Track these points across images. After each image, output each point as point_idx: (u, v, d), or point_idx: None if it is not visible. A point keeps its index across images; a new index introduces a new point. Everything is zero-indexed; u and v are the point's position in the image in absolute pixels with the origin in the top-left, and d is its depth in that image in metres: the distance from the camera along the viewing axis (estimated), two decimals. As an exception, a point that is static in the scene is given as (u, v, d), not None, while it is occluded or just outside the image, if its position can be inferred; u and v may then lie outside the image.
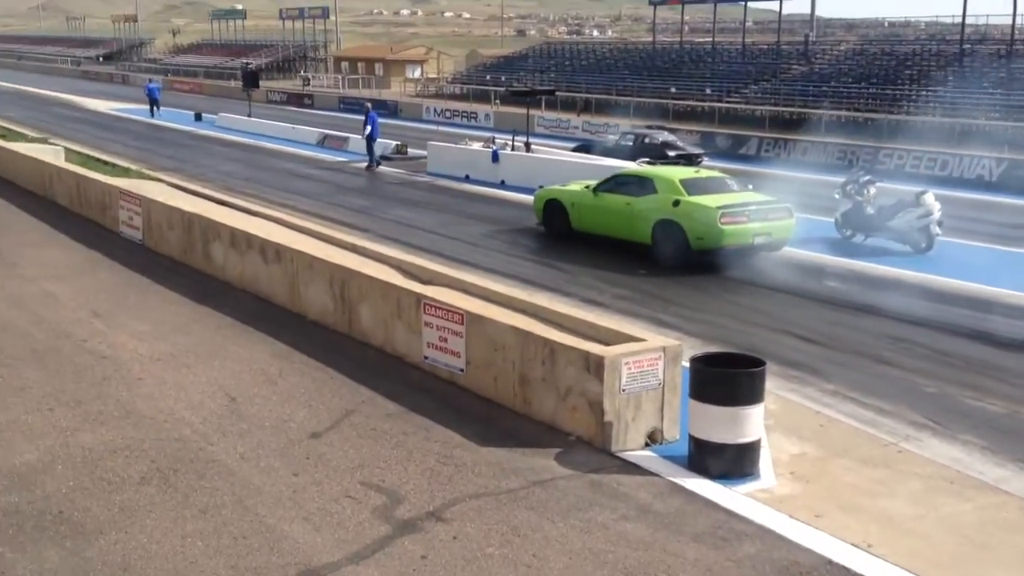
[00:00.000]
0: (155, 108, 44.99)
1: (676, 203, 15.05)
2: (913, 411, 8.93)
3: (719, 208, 14.58)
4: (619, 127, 33.51)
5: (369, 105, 30.43)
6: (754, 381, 7.16)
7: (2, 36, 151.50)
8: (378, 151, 28.35)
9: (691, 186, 15.44)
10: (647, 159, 24.08)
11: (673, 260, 14.96)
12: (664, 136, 28.58)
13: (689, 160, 26.11)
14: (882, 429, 8.49)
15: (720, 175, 17.35)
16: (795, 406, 9.02)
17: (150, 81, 50.56)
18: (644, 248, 15.45)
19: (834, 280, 14.58)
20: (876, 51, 46.95)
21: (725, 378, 7.15)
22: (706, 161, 27.20)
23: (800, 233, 17.81)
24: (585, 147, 28.67)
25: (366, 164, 27.50)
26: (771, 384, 8.33)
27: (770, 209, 15.21)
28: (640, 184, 16.06)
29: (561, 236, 17.25)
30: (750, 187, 16.70)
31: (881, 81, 41.42)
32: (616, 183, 16.64)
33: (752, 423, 7.14)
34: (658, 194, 15.49)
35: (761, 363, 7.28)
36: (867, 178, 17.49)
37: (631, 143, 27.46)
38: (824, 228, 17.76)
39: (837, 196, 17.36)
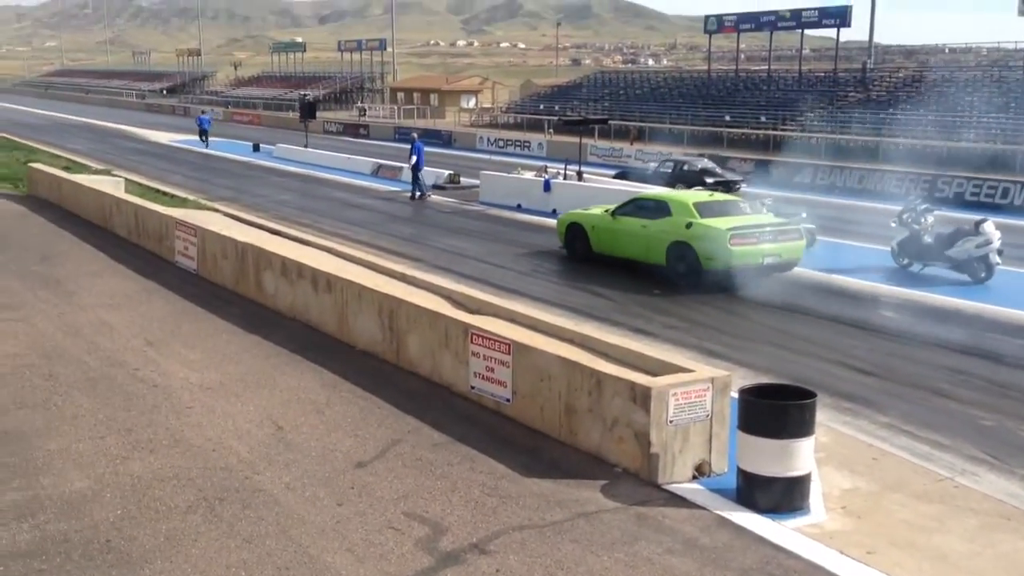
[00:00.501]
0: (205, 138, 46.24)
1: (689, 225, 15.53)
2: (970, 445, 8.68)
3: (729, 230, 15.04)
4: (659, 154, 33.51)
5: (415, 135, 30.49)
6: (804, 413, 7.01)
7: (72, 70, 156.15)
8: (430, 180, 28.53)
9: (704, 209, 15.89)
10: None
11: (686, 280, 15.39)
12: (702, 163, 28.83)
13: (727, 187, 26.25)
14: (938, 463, 8.26)
15: (734, 199, 17.83)
16: (848, 439, 8.82)
17: (202, 113, 51.85)
18: (660, 269, 15.92)
19: (890, 310, 14.29)
20: (936, 78, 46.29)
21: (774, 410, 7.01)
22: (744, 188, 27.30)
23: (856, 261, 17.60)
24: (623, 174, 28.97)
25: (410, 194, 27.57)
26: (823, 416, 8.17)
27: (780, 231, 15.66)
28: (656, 207, 16.55)
29: (582, 258, 17.68)
30: (764, 209, 17.15)
31: (941, 108, 40.77)
32: (634, 207, 17.09)
33: (802, 456, 6.99)
34: (672, 217, 15.96)
35: (812, 395, 7.14)
36: (924, 206, 17.18)
37: (670, 170, 27.71)
38: (881, 257, 17.47)
39: (894, 224, 17.06)
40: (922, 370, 11.16)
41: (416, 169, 27.46)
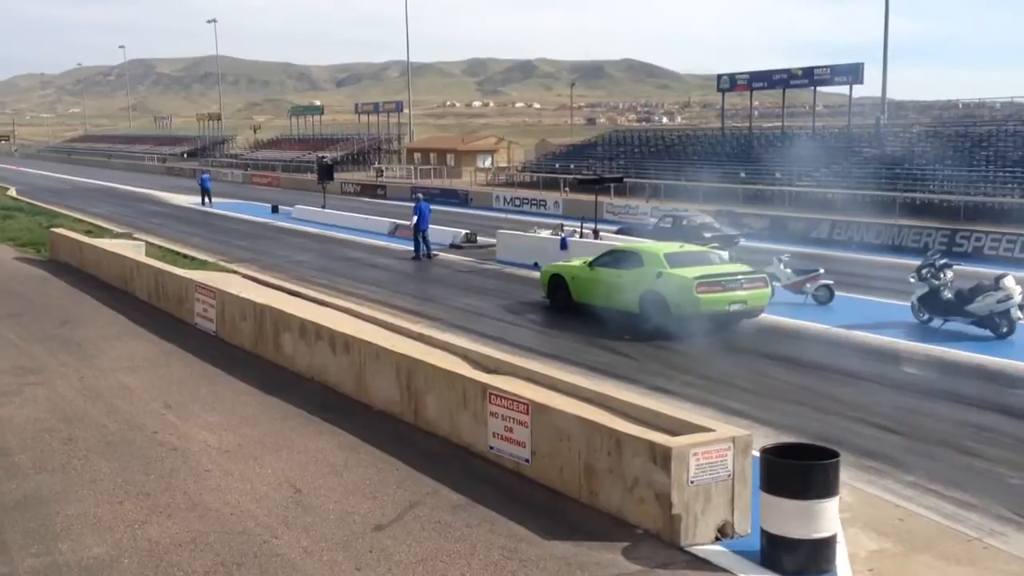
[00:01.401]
0: (207, 198, 47.60)
1: (659, 275, 16.49)
2: (998, 504, 8.53)
3: (696, 279, 15.98)
4: (658, 209, 33.97)
5: (420, 195, 30.19)
6: (828, 473, 6.92)
7: (94, 136, 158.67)
8: (447, 239, 28.58)
9: (674, 259, 16.91)
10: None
11: (657, 326, 16.14)
12: (701, 218, 29.23)
13: (726, 241, 26.64)
14: (965, 523, 8.12)
15: (705, 249, 18.84)
16: (873, 499, 8.69)
17: (204, 173, 53.09)
18: (633, 317, 16.69)
19: (911, 366, 14.17)
20: (950, 132, 46.41)
21: (797, 470, 6.93)
22: (743, 243, 27.68)
23: (876, 317, 17.50)
24: (626, 230, 29.38)
25: (413, 254, 27.55)
26: (847, 475, 8.06)
27: (746, 279, 16.55)
28: (630, 258, 17.60)
29: (563, 308, 18.46)
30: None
31: (956, 163, 40.82)
32: (610, 258, 18.10)
33: (827, 517, 6.88)
34: (644, 267, 16.95)
35: (835, 454, 7.05)
36: (943, 261, 17.11)
37: (669, 225, 28.06)
38: (900, 312, 17.38)
39: (913, 280, 16.99)
40: (946, 427, 11.02)
41: (418, 229, 27.50)
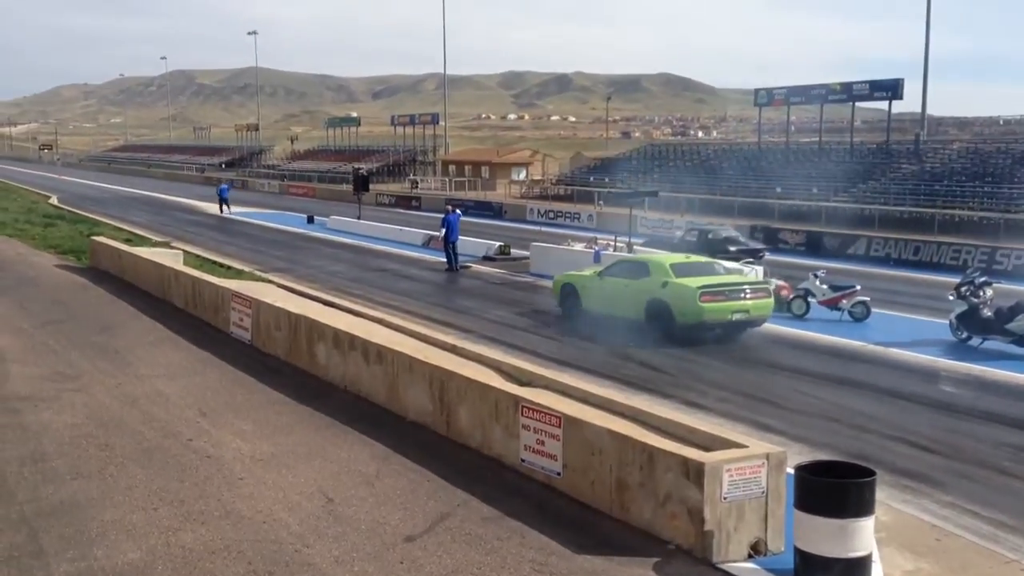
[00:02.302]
0: (225, 207, 48.94)
1: (664, 284, 17.02)
2: (1039, 526, 8.37)
3: (699, 288, 16.51)
4: (692, 223, 33.91)
5: (450, 207, 29.87)
6: (863, 492, 6.84)
7: (135, 146, 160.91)
8: (480, 251, 28.63)
9: (679, 269, 17.42)
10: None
11: (662, 333, 16.77)
12: (727, 232, 29.43)
13: (751, 255, 26.93)
14: (1004, 545, 7.99)
15: (710, 260, 19.21)
16: (909, 519, 8.58)
17: (220, 182, 54.21)
18: (640, 324, 17.20)
19: (950, 385, 13.98)
20: (991, 149, 45.82)
21: (832, 488, 6.85)
22: (768, 256, 27.86)
23: (913, 335, 17.31)
24: (654, 243, 29.57)
25: (447, 265, 27.64)
26: (883, 494, 7.97)
27: (749, 289, 17.09)
28: (637, 268, 18.18)
29: (574, 316, 18.92)
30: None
31: (997, 179, 40.30)
32: (619, 268, 18.74)
33: (862, 536, 6.80)
34: (651, 277, 17.46)
35: (871, 473, 6.97)
36: (983, 279, 16.90)
37: (695, 238, 28.14)
38: (938, 330, 17.17)
39: (952, 297, 16.79)
40: (984, 447, 10.85)
41: (447, 241, 27.54)
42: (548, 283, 24.62)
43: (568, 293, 19.42)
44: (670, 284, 16.93)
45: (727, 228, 30.39)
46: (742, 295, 16.85)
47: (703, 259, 19.33)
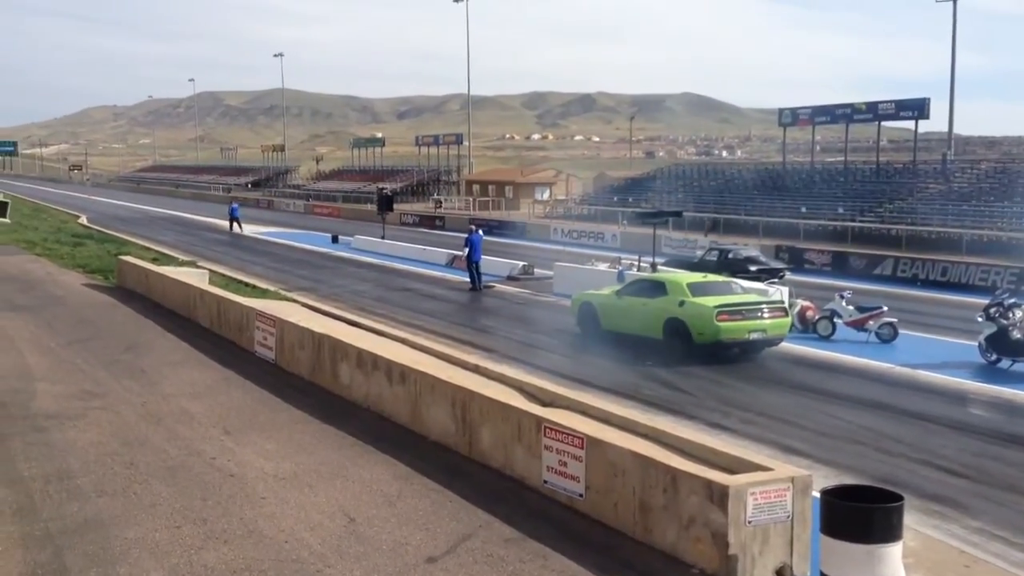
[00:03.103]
0: (235, 225, 50.59)
1: (682, 303, 17.12)
2: (1071, 553, 8.23)
3: (716, 307, 16.65)
4: (710, 243, 34.15)
5: (473, 227, 30.13)
6: (891, 517, 6.73)
7: (163, 166, 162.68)
8: (504, 271, 28.68)
9: (697, 289, 17.54)
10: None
11: (680, 352, 16.82)
12: (747, 251, 29.52)
13: (772, 274, 26.91)
14: (1036, 572, 7.85)
15: (727, 279, 19.43)
16: (938, 544, 8.46)
17: (233, 203, 55.80)
18: (658, 343, 17.35)
19: (979, 408, 13.81)
20: (1020, 168, 45.46)
21: (859, 513, 6.75)
22: (789, 276, 27.94)
23: (942, 357, 17.14)
24: (675, 262, 29.57)
25: (471, 285, 27.69)
26: (911, 519, 7.85)
27: (766, 308, 17.21)
28: (655, 287, 18.30)
29: (592, 335, 18.90)
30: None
31: (1026, 199, 39.97)
32: (637, 287, 18.90)
33: (890, 562, 6.69)
34: (669, 296, 17.59)
35: (899, 498, 6.87)
36: (1012, 300, 16.73)
37: (715, 258, 28.27)
38: (966, 352, 16.98)
39: (980, 319, 16.61)
40: (1015, 471, 10.70)
41: (470, 261, 27.61)
42: (570, 303, 24.64)
43: (586, 312, 19.49)
44: (687, 303, 17.03)
45: (748, 248, 30.45)
46: (759, 314, 16.94)
47: (720, 278, 19.41)
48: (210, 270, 27.34)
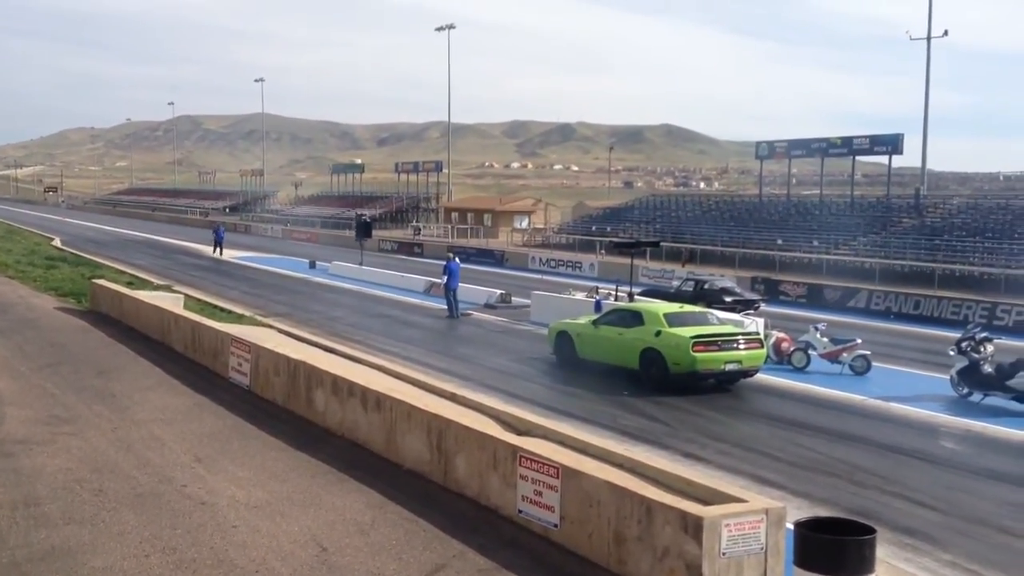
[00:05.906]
0: (218, 248, 50.73)
1: (658, 333, 17.14)
2: (1041, 587, 8.27)
3: (692, 338, 16.61)
4: (687, 273, 34.55)
5: (451, 254, 30.31)
6: (863, 550, 6.74)
7: (139, 189, 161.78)
8: (481, 299, 28.67)
9: (673, 319, 17.55)
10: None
11: (656, 382, 16.88)
12: (722, 282, 29.87)
13: (747, 305, 27.35)
14: (1007, 606, 7.87)
15: (703, 310, 19.50)
16: (910, 577, 8.47)
17: (219, 226, 56.57)
18: (634, 372, 17.39)
19: (950, 441, 13.90)
20: (991, 205, 46.07)
21: (832, 546, 6.76)
22: (764, 307, 28.30)
23: (914, 390, 17.24)
24: (651, 292, 29.96)
25: (447, 313, 27.68)
26: (883, 552, 7.87)
27: (742, 340, 17.26)
28: (631, 317, 18.26)
29: (568, 364, 18.97)
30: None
31: (997, 235, 40.45)
32: (614, 317, 18.91)
33: (862, 595, 6.69)
34: (645, 326, 17.58)
35: (871, 530, 6.88)
36: (984, 334, 16.88)
37: (691, 288, 28.55)
38: (938, 385, 17.10)
39: (952, 353, 16.75)
40: (985, 505, 10.76)
41: (448, 288, 27.65)
42: (547, 331, 24.65)
43: (563, 341, 19.52)
44: (663, 333, 17.06)
45: (723, 279, 30.78)
46: (735, 345, 17.00)
47: (697, 309, 19.51)
48: (186, 295, 27.14)
